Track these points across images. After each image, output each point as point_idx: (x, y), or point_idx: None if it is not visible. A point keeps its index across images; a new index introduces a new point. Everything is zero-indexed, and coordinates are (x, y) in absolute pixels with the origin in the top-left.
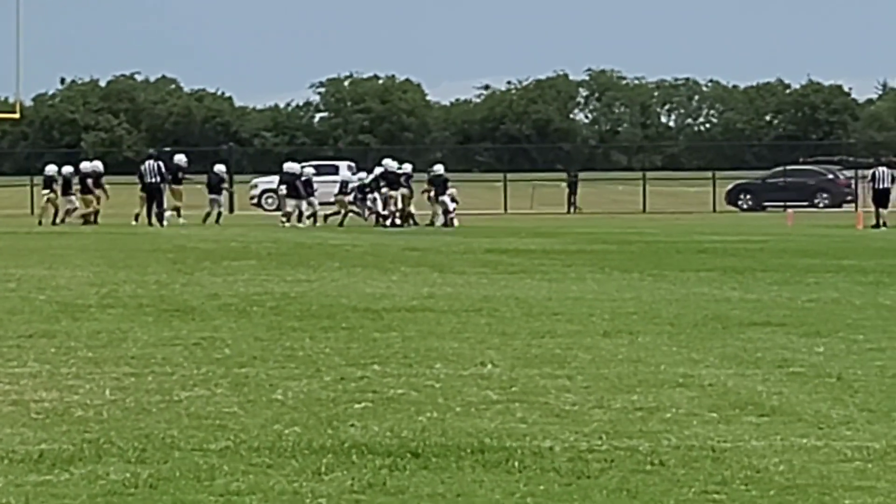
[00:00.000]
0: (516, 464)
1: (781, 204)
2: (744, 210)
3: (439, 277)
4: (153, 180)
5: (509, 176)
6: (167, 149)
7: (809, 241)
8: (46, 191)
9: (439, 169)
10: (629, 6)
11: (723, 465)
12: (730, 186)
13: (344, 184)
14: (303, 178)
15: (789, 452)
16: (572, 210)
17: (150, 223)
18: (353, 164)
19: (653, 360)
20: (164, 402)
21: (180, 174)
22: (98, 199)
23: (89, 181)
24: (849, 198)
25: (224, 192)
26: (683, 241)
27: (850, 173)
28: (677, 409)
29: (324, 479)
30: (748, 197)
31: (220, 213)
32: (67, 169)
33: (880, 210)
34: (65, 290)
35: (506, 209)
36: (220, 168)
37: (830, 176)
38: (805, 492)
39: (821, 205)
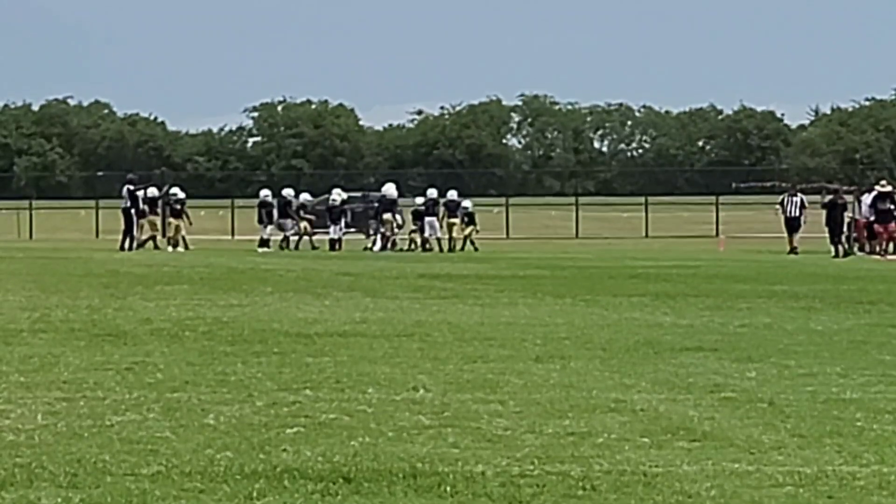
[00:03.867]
0: (448, 489)
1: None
2: None
3: (371, 302)
4: (125, 205)
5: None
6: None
7: (741, 266)
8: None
9: (454, 194)
10: (562, 32)
11: (654, 491)
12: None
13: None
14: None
15: (721, 477)
16: None
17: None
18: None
19: (585, 385)
20: (96, 426)
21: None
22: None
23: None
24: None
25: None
26: (616, 267)
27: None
28: (609, 434)
29: None
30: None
31: (296, 238)
32: (152, 191)
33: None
34: None
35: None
36: (288, 192)
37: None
38: None
39: None
